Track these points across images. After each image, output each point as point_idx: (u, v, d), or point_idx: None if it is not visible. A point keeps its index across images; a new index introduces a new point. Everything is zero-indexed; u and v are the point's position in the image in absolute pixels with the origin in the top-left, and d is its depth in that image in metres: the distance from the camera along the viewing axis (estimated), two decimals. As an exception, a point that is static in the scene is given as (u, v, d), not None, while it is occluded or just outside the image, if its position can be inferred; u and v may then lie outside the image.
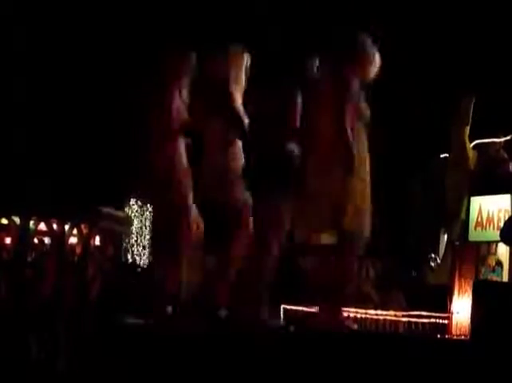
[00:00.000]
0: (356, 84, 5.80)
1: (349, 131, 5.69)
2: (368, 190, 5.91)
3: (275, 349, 5.36)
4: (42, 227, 16.37)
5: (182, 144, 6.40)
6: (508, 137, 10.01)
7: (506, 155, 10.04)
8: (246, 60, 6.44)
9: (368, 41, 5.93)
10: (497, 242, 9.87)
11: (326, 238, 5.92)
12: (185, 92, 6.39)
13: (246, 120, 6.30)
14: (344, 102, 5.71)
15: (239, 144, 6.41)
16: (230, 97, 6.26)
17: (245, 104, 6.41)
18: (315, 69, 6.21)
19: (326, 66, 6.02)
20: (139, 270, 16.58)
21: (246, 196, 6.31)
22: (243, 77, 6.40)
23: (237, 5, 13.16)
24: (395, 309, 10.32)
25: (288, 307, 10.24)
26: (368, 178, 5.92)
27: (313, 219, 5.92)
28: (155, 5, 14.67)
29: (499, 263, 10.01)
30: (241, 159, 6.40)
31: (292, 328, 6.20)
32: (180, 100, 6.35)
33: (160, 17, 14.64)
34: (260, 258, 6.31)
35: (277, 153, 6.31)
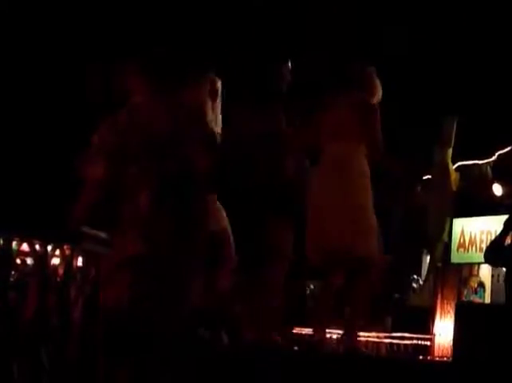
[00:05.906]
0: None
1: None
2: (368, 213, 5.72)
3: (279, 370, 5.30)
4: (25, 247, 16.25)
5: None
6: (493, 158, 10.03)
7: (490, 177, 10.03)
8: (220, 85, 6.36)
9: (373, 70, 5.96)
10: (479, 263, 9.91)
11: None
12: None
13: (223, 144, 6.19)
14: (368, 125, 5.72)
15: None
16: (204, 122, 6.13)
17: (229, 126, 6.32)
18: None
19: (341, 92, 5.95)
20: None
21: (226, 223, 6.15)
22: (218, 102, 6.30)
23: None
24: (379, 332, 10.32)
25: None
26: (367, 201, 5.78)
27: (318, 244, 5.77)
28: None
29: (481, 285, 10.05)
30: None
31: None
32: None
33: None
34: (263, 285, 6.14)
35: (276, 173, 6.20)
